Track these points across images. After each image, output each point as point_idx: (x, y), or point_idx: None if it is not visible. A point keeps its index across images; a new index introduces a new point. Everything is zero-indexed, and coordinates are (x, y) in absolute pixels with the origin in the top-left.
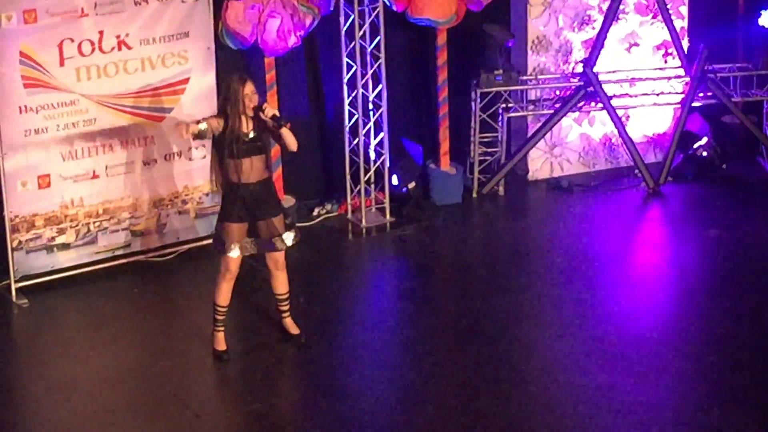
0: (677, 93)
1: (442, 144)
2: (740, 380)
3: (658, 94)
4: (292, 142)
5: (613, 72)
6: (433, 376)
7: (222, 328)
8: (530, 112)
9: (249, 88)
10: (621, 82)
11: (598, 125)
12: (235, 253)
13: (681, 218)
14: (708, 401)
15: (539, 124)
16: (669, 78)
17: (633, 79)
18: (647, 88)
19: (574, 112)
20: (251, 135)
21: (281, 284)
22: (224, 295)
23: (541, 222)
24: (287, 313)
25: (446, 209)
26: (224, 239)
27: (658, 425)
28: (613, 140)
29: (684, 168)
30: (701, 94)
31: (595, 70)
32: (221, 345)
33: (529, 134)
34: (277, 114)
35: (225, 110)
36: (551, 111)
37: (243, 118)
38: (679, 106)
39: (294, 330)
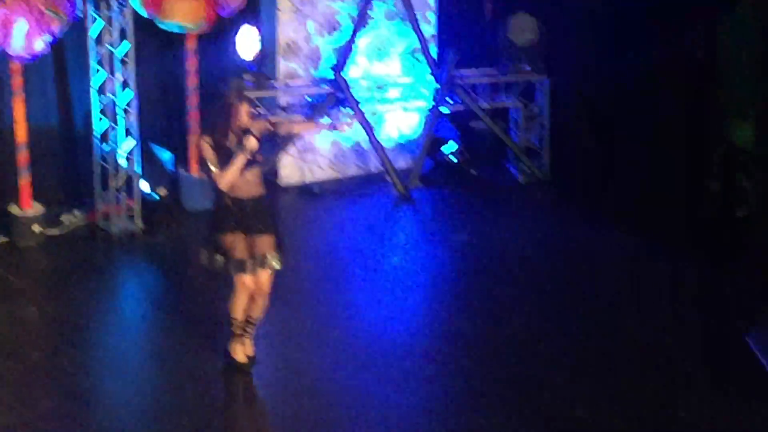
0: (427, 99)
1: (192, 150)
2: (491, 381)
3: (407, 100)
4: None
5: (363, 78)
6: (182, 386)
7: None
8: (281, 118)
9: (245, 107)
10: (371, 87)
11: (349, 131)
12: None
13: (431, 222)
14: (460, 403)
15: None
16: (418, 84)
17: (383, 84)
18: (397, 93)
19: (324, 117)
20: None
21: (260, 307)
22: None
23: (293, 228)
24: (251, 336)
25: (198, 215)
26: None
27: (411, 429)
28: (364, 146)
29: (434, 173)
30: (450, 101)
31: (344, 75)
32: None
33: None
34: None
35: (221, 126)
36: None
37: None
38: (428, 112)
39: (252, 351)
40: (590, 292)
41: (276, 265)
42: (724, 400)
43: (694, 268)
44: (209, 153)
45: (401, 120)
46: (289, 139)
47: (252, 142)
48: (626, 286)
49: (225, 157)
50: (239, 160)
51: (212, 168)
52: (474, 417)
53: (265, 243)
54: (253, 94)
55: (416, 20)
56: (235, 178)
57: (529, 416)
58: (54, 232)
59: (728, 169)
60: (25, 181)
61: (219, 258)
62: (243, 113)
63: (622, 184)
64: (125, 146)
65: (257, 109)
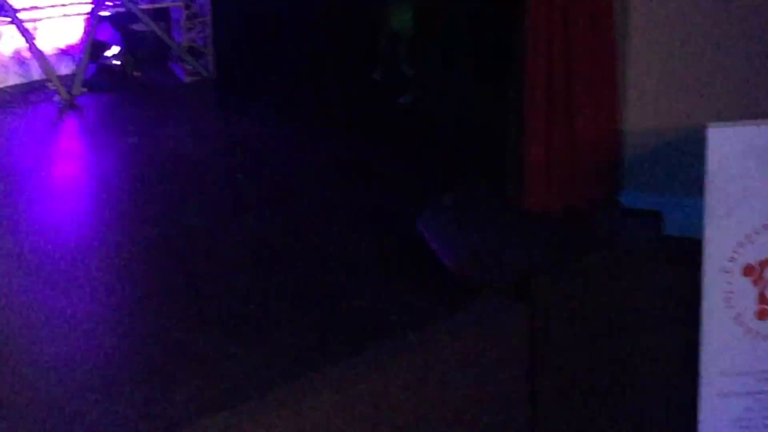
0: (86, 3)
1: None
2: (162, 285)
3: (66, 5)
4: None
5: None
6: None
7: None
8: None
9: None
10: None
11: (7, 40)
12: None
13: (98, 128)
14: (129, 308)
15: None
16: None
17: None
18: None
19: None
20: None
21: None
22: None
23: None
24: None
25: None
26: None
27: (84, 335)
28: (24, 54)
29: (97, 78)
30: (110, 3)
31: None
32: None
33: None
34: None
35: None
36: None
37: None
38: (88, 15)
39: None
40: (259, 184)
41: None
42: (394, 287)
43: (362, 157)
44: None
45: (61, 25)
46: None
47: None
48: (296, 178)
49: None
50: None
51: None
52: (143, 321)
53: None
54: None
55: None
56: None
57: (201, 315)
58: None
59: (391, 57)
60: None
61: None
62: None
63: (287, 78)
64: None
65: None
